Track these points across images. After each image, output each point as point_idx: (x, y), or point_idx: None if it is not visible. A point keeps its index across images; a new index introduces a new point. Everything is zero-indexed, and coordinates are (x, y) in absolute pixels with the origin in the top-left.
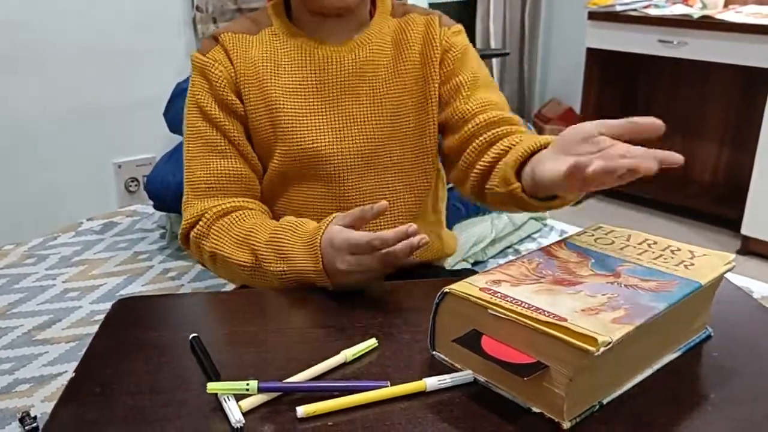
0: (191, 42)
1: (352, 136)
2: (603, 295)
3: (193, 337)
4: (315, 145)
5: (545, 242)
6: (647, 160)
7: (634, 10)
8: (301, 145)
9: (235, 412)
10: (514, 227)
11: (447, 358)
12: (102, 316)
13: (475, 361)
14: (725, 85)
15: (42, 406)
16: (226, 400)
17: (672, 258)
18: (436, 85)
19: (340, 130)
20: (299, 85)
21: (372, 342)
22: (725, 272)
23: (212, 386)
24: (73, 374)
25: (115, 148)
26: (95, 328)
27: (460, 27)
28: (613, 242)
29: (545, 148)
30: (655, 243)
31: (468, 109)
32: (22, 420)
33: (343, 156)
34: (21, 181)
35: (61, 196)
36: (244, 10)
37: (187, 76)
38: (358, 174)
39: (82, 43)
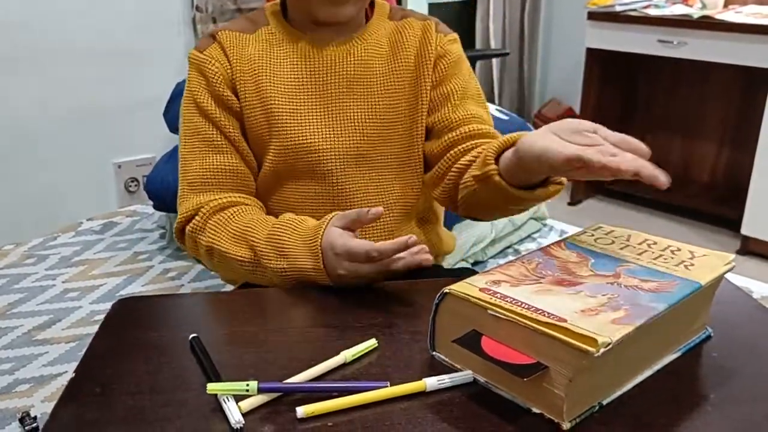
0: (191, 42)
1: (346, 135)
2: (603, 295)
3: (193, 337)
4: (309, 142)
5: (545, 242)
6: (632, 167)
7: (634, 10)
8: (295, 142)
9: (234, 413)
10: (513, 227)
11: (447, 359)
12: (102, 316)
13: (475, 361)
14: (725, 85)
15: (42, 407)
16: (226, 400)
17: (672, 258)
18: (428, 88)
19: (334, 129)
20: (294, 83)
21: (372, 342)
22: (725, 272)
23: (212, 387)
24: (73, 374)
25: (115, 148)
26: (95, 328)
27: (455, 36)
28: (613, 242)
29: None
30: (655, 243)
31: (455, 118)
32: (22, 420)
33: (337, 154)
34: (21, 181)
35: (61, 196)
36: (244, 10)
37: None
38: (352, 172)
39: (82, 43)
